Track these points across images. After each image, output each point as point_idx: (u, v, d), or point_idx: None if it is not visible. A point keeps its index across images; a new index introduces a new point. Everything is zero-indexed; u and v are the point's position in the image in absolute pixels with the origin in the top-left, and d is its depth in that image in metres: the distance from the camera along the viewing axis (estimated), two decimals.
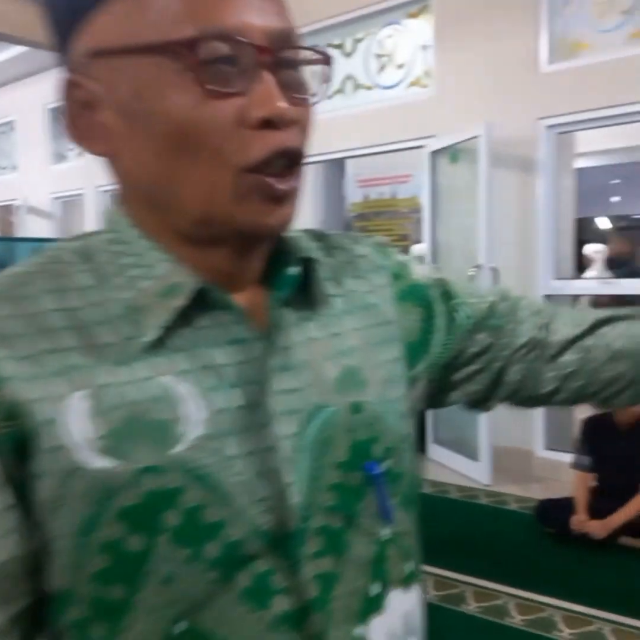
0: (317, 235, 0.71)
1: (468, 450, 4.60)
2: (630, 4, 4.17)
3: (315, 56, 0.58)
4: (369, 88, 5.39)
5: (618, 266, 5.55)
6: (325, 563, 0.58)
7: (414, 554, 0.67)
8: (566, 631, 2.61)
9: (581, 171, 7.34)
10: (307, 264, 0.62)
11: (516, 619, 2.70)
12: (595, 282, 4.64)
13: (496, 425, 4.58)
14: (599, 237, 6.96)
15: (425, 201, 5.09)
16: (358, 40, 5.42)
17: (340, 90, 5.58)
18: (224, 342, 0.57)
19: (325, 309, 0.64)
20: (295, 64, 0.57)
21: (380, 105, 5.27)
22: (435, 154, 4.92)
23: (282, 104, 0.53)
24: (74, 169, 7.54)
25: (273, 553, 0.56)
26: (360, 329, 0.65)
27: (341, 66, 5.54)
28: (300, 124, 0.57)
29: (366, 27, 5.34)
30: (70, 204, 8.13)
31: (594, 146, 6.96)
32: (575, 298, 5.83)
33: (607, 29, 4.28)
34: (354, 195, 9.02)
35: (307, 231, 0.70)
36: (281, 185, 0.55)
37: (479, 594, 2.91)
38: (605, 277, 5.07)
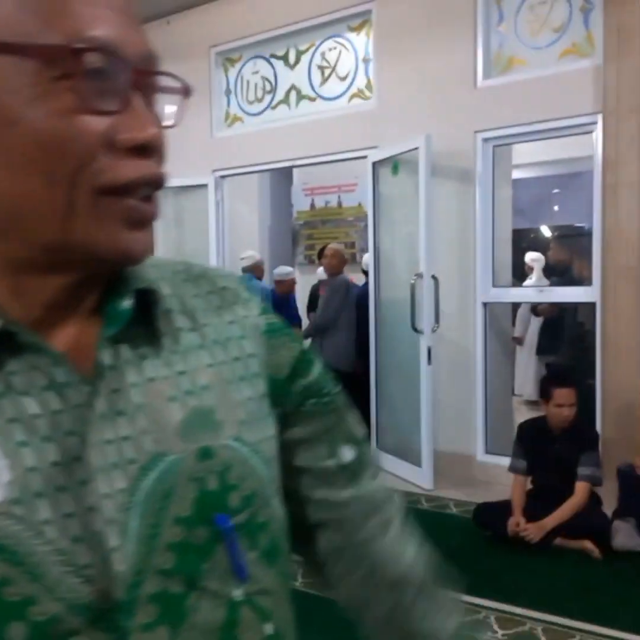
0: (179, 264, 0.65)
1: (411, 456, 4.67)
2: (561, 22, 4.33)
3: (177, 85, 0.55)
4: (312, 99, 5.45)
5: (557, 274, 5.73)
6: (159, 634, 0.51)
7: (278, 614, 0.59)
8: (500, 632, 2.68)
9: (523, 181, 7.56)
10: (148, 295, 0.57)
11: None
12: (532, 290, 4.78)
13: (438, 430, 4.67)
14: (542, 245, 7.14)
15: (368, 211, 5.17)
16: (301, 52, 5.47)
17: (284, 101, 5.62)
18: (39, 389, 0.51)
19: (172, 345, 0.58)
20: (158, 90, 0.55)
21: (323, 116, 5.33)
22: (378, 164, 5.00)
23: (154, 130, 0.51)
24: None
25: (96, 628, 0.49)
26: (215, 364, 0.59)
27: (285, 77, 5.59)
28: (162, 151, 0.54)
29: (309, 39, 5.40)
30: None
31: (536, 157, 7.18)
32: (515, 306, 6.00)
33: (540, 46, 4.43)
34: (300, 203, 9.09)
35: (168, 260, 0.65)
36: (146, 209, 0.52)
37: None
38: (541, 285, 5.22)
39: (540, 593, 3.00)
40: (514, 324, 5.70)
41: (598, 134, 4.13)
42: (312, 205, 9.04)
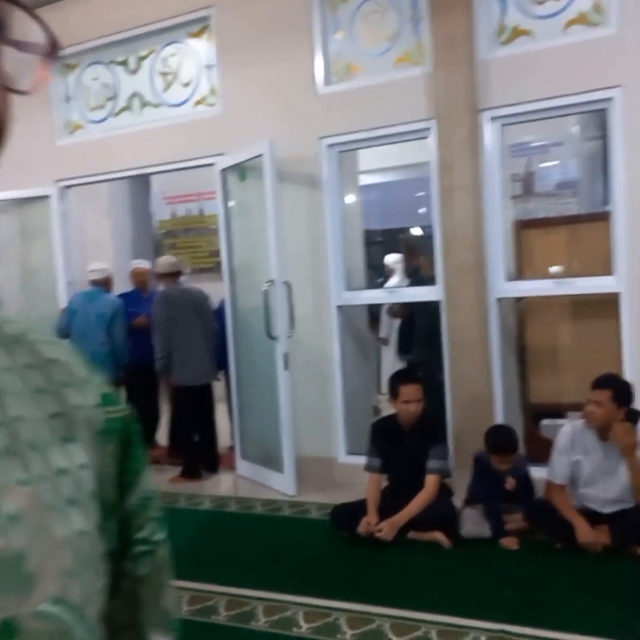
0: None
1: (274, 463, 4.65)
2: (393, 31, 4.47)
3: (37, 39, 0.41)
4: (156, 106, 5.32)
5: (409, 275, 5.91)
6: None
7: None
8: (349, 633, 2.70)
9: (389, 185, 7.75)
10: None
11: (303, 628, 2.76)
12: (383, 291, 4.90)
13: (300, 435, 4.68)
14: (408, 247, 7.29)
15: (219, 219, 5.11)
16: (142, 58, 5.33)
17: (127, 108, 5.45)
18: None
19: None
20: (8, 42, 0.42)
21: (168, 123, 5.22)
22: (225, 171, 4.95)
23: None
24: None
25: None
26: (30, 481, 0.41)
27: (127, 83, 5.42)
28: None
29: (149, 45, 5.27)
30: None
31: (393, 162, 7.37)
32: (375, 308, 6.13)
33: (376, 53, 4.55)
34: (162, 212, 8.89)
35: None
36: None
37: (269, 608, 2.94)
38: (399, 287, 5.37)
39: (391, 588, 3.06)
40: (372, 325, 5.82)
41: (432, 139, 4.29)
42: (174, 214, 8.89)
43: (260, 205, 4.53)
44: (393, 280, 6.36)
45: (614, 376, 3.45)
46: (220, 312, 5.17)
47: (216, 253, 7.59)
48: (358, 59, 4.61)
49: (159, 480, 5.01)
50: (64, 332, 5.29)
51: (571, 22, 3.95)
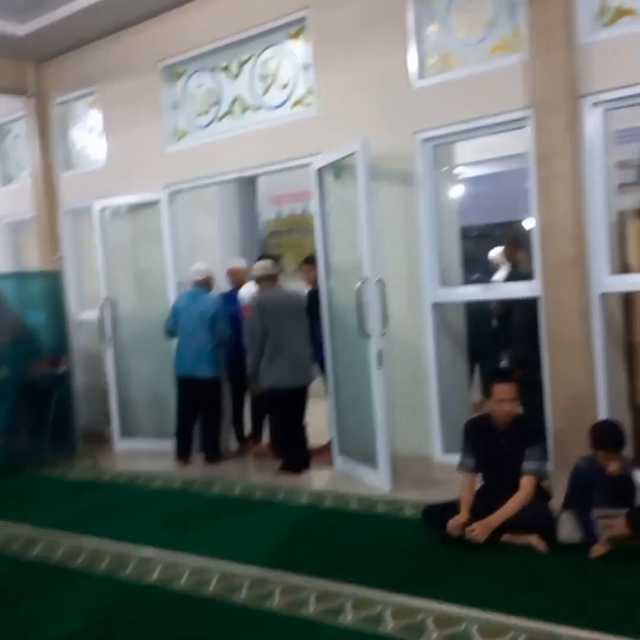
0: None
1: (369, 459, 4.66)
2: (489, 18, 4.35)
3: None
4: (256, 109, 5.46)
5: (511, 269, 5.74)
6: None
7: None
8: (435, 633, 2.67)
9: (488, 177, 7.54)
10: None
11: (389, 627, 2.76)
12: (480, 287, 4.79)
13: (396, 433, 4.67)
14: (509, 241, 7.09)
15: (315, 218, 5.17)
16: (243, 63, 5.48)
17: (229, 112, 5.63)
18: None
19: None
20: None
21: (268, 125, 5.34)
22: (321, 170, 5.01)
23: None
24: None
25: None
26: None
27: (229, 88, 5.60)
28: None
29: (249, 49, 5.42)
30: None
31: (492, 153, 7.16)
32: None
33: (471, 42, 4.45)
34: (268, 213, 9.09)
35: None
36: None
37: (357, 604, 2.96)
38: (491, 283, 5.23)
39: (482, 590, 3.00)
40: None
41: (530, 128, 4.14)
42: (279, 214, 9.07)
43: (355, 202, 4.54)
44: (498, 275, 6.19)
45: None
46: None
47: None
48: (454, 50, 4.54)
49: (260, 475, 5.16)
50: (172, 330, 5.56)
51: None
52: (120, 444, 6.26)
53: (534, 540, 3.39)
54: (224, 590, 3.22)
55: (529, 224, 7.61)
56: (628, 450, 4.42)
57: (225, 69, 5.60)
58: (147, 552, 3.75)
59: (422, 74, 4.63)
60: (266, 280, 5.17)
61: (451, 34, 4.54)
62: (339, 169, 4.87)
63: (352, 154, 4.51)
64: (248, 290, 5.57)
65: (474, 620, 2.73)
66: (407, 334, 4.75)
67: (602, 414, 4.07)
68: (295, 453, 5.14)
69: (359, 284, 4.45)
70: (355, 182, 4.51)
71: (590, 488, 3.37)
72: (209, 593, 3.22)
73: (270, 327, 4.97)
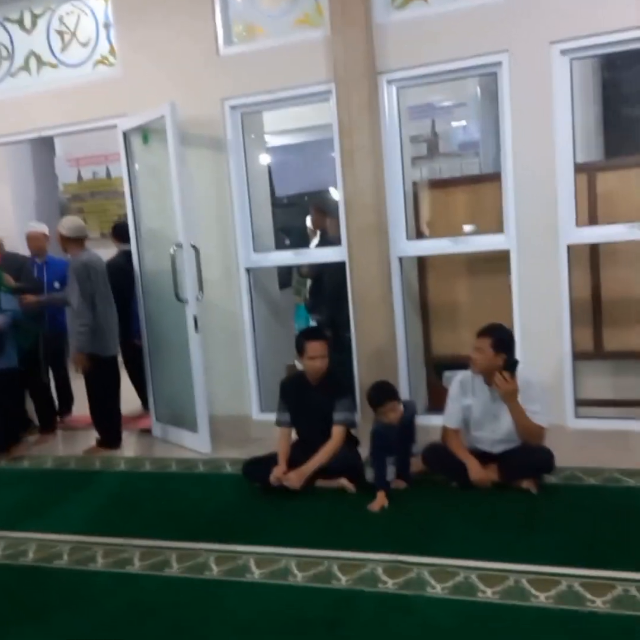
0: None
1: (188, 423, 4.75)
2: None
3: None
4: (53, 66, 5.18)
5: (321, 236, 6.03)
6: None
7: None
8: (257, 572, 2.88)
9: (297, 146, 7.72)
10: None
11: (214, 571, 2.92)
12: (291, 253, 5.01)
13: (214, 396, 4.79)
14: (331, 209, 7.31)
15: (124, 181, 5.07)
16: (37, 16, 5.16)
17: (24, 68, 5.29)
18: None
19: None
20: None
21: (67, 83, 5.10)
22: (128, 133, 4.91)
23: None
24: None
25: None
26: None
27: (22, 42, 5.25)
28: None
29: (44, 3, 5.11)
30: None
31: (301, 123, 7.36)
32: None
33: (275, 14, 4.58)
34: (66, 175, 8.64)
35: None
36: None
37: (182, 556, 3.08)
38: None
39: (299, 531, 3.25)
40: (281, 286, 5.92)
41: (333, 101, 4.38)
42: (79, 177, 8.66)
43: (166, 168, 4.53)
44: (314, 242, 6.47)
45: (497, 325, 3.69)
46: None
47: (125, 217, 7.49)
48: (258, 20, 4.63)
49: (75, 449, 5.02)
50: None
51: None
52: None
53: (345, 483, 3.71)
54: (44, 559, 3.19)
55: (334, 193, 7.99)
56: (424, 399, 4.93)
57: (18, 21, 5.24)
58: None
59: (228, 41, 4.68)
60: (77, 242, 4.78)
61: (255, 4, 4.63)
62: (147, 132, 4.81)
63: (160, 118, 4.48)
64: None
65: (292, 557, 2.97)
66: (223, 299, 4.86)
67: (402, 367, 4.49)
68: (111, 429, 5.00)
69: (173, 249, 4.47)
70: (165, 147, 4.49)
71: (384, 442, 3.74)
72: (28, 563, 3.17)
73: (97, 292, 4.72)
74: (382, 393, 3.80)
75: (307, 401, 3.93)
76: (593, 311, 4.58)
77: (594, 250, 4.53)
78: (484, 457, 3.63)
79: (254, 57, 4.58)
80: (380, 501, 3.49)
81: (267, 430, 4.64)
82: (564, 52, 3.91)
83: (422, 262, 4.90)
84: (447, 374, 5.09)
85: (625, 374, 4.72)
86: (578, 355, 4.17)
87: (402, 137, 4.45)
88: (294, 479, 3.67)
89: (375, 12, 4.22)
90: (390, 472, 3.67)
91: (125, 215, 5.20)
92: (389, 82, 4.29)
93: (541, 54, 3.92)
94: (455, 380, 3.76)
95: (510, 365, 3.52)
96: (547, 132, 3.97)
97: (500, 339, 3.57)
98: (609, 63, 5.79)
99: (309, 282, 6.25)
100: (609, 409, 4.44)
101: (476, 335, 3.62)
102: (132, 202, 5.03)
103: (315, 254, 4.94)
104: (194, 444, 4.68)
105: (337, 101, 4.33)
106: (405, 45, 4.18)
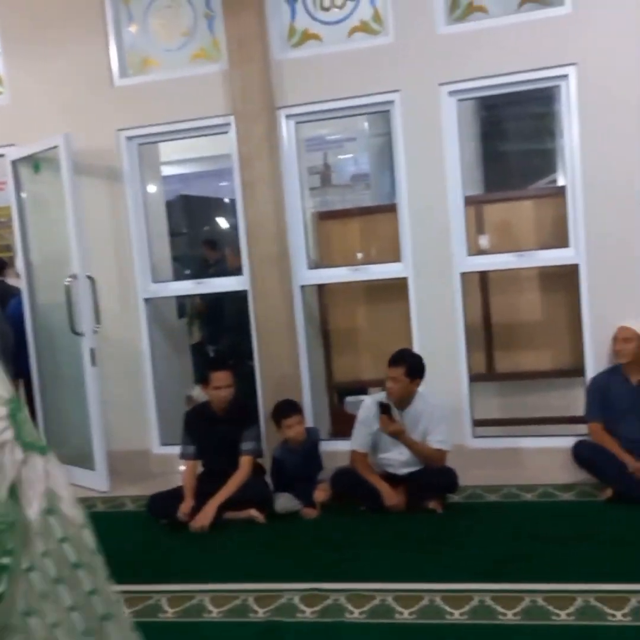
0: None
1: (85, 460, 4.56)
2: (188, 27, 4.54)
3: None
4: None
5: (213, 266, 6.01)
6: None
7: None
8: (170, 611, 2.80)
9: (194, 176, 7.70)
10: None
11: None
12: (192, 282, 4.97)
13: (112, 431, 4.63)
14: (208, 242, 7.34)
15: (12, 212, 4.86)
16: None
17: None
18: None
19: None
20: None
21: None
22: (17, 163, 4.73)
23: None
24: None
25: None
26: None
27: None
28: None
29: None
30: None
31: (197, 153, 7.32)
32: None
33: (172, 48, 4.59)
34: None
35: None
36: None
37: None
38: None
39: (211, 565, 3.20)
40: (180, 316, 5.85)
41: (233, 134, 4.42)
42: None
43: (58, 197, 4.39)
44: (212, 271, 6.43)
45: (406, 352, 3.83)
46: (14, 313, 4.91)
47: (8, 247, 7.17)
48: (154, 53, 4.63)
49: None
50: None
51: (354, 29, 4.28)
52: None
53: (254, 513, 3.68)
54: None
55: (224, 223, 8.04)
56: (327, 425, 4.99)
57: None
58: None
59: (123, 73, 4.64)
60: None
61: (151, 37, 4.62)
62: (38, 162, 4.65)
63: (53, 148, 4.36)
64: None
65: (205, 593, 2.91)
66: (120, 330, 4.73)
67: (306, 393, 4.53)
68: None
69: (68, 280, 4.33)
70: (58, 176, 4.36)
71: (282, 467, 3.79)
72: None
73: None
74: (288, 405, 3.91)
75: (213, 432, 3.90)
76: (485, 335, 4.84)
77: (484, 277, 4.80)
78: (391, 480, 3.72)
79: (150, 88, 4.56)
80: (309, 513, 3.62)
81: (169, 464, 4.55)
82: (451, 93, 4.16)
83: (323, 290, 5.01)
84: (348, 399, 5.20)
85: (514, 394, 5.00)
86: (473, 378, 4.38)
87: (300, 168, 4.55)
88: (200, 520, 3.61)
89: (272, 49, 4.32)
90: (295, 503, 3.72)
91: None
92: (288, 116, 4.39)
93: (431, 94, 4.15)
94: (365, 405, 3.84)
95: (385, 409, 3.67)
96: (438, 166, 4.19)
97: (413, 365, 3.71)
98: (486, 103, 6.20)
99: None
100: (502, 428, 4.67)
101: (388, 364, 3.73)
102: (22, 232, 4.83)
103: (216, 283, 4.92)
104: (92, 482, 4.49)
105: (237, 134, 4.38)
106: (302, 82, 4.30)
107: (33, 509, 1.20)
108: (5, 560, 1.13)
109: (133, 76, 4.64)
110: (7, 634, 1.15)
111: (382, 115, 4.66)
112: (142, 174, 4.79)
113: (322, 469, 3.94)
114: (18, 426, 1.19)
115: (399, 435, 3.67)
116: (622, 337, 3.80)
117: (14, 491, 1.23)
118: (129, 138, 4.65)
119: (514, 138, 7.30)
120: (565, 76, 3.99)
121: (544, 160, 5.83)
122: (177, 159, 6.45)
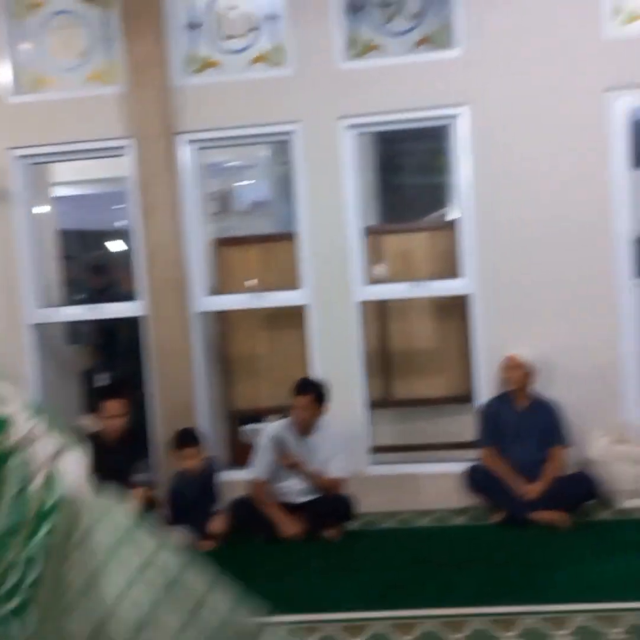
0: None
1: None
2: (85, 48, 4.43)
3: None
4: None
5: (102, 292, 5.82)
6: None
7: None
8: None
9: (86, 197, 7.43)
10: None
11: None
12: (82, 308, 4.79)
13: None
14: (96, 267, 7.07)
15: None
16: None
17: None
18: None
19: None
20: None
21: None
22: None
23: None
24: None
25: None
26: None
27: None
28: None
29: None
30: None
31: (90, 174, 7.09)
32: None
33: (66, 68, 4.46)
34: None
35: None
36: None
37: None
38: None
39: None
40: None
41: (130, 157, 4.34)
42: None
43: None
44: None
45: (310, 380, 3.88)
46: None
47: None
48: (48, 72, 4.48)
49: None
50: None
51: (256, 59, 4.32)
52: None
53: None
54: None
55: (116, 247, 7.81)
56: (225, 453, 4.91)
57: None
58: None
59: (16, 90, 4.47)
60: None
61: (45, 55, 4.48)
62: None
63: None
64: None
65: None
66: (5, 357, 4.49)
67: (203, 421, 4.45)
68: None
69: None
70: None
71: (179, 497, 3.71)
72: None
73: None
74: (187, 435, 3.85)
75: (104, 463, 3.72)
76: (382, 362, 4.93)
77: (382, 306, 4.90)
78: (289, 508, 3.70)
79: (44, 107, 4.42)
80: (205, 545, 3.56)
81: None
82: (350, 127, 4.27)
83: (222, 317, 4.95)
84: (247, 427, 5.14)
85: (410, 420, 5.11)
86: (371, 404, 4.44)
87: (201, 194, 4.52)
88: None
89: (172, 74, 4.29)
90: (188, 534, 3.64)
91: None
92: (189, 141, 4.35)
93: (330, 126, 4.23)
94: (266, 433, 3.82)
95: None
96: (337, 196, 4.27)
97: (320, 391, 3.77)
98: (384, 137, 6.40)
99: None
100: (398, 454, 4.76)
101: (294, 393, 3.74)
102: None
103: (110, 309, 4.75)
104: None
105: (136, 156, 4.30)
106: (203, 108, 4.29)
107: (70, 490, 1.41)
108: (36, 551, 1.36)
109: (25, 94, 4.48)
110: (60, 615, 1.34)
111: (283, 143, 4.71)
112: (33, 195, 4.61)
113: (219, 500, 3.87)
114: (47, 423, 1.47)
115: (297, 468, 3.67)
116: (510, 365, 3.98)
117: (50, 480, 1.46)
118: (20, 157, 4.47)
119: (410, 171, 7.58)
120: (456, 116, 4.19)
121: (437, 194, 6.06)
122: (70, 179, 6.23)
